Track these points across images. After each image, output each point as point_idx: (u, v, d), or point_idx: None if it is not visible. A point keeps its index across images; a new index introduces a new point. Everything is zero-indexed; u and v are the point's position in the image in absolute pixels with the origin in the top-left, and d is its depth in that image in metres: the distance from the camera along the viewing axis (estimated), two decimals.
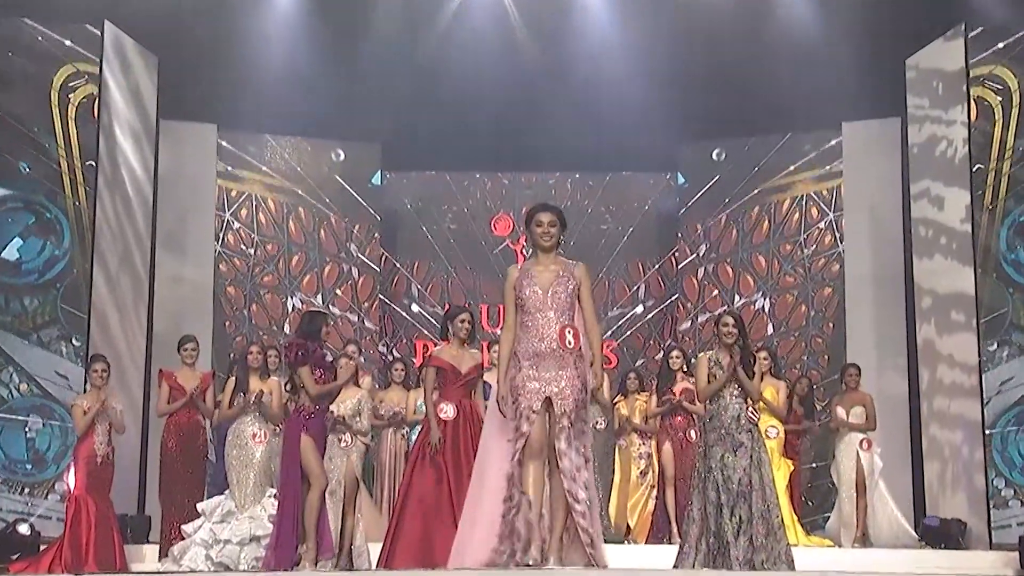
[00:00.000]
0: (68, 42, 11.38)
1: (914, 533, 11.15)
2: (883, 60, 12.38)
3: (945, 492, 11.54)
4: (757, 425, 7.69)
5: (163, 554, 9.62)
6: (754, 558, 7.29)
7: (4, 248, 11.04)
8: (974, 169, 11.38)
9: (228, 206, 13.69)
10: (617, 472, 11.44)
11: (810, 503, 12.58)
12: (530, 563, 6.23)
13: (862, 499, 10.94)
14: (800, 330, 13.71)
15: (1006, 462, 11.09)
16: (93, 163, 11.26)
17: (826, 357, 13.48)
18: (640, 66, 12.73)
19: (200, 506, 9.27)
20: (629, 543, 11.09)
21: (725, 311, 8.35)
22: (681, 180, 14.57)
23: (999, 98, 11.42)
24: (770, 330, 13.79)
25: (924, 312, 12.10)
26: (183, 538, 9.19)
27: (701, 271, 14.23)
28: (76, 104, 11.32)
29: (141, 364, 11.85)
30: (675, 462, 10.80)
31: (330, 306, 13.74)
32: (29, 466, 10.85)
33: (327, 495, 8.14)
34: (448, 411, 8.33)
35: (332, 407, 8.44)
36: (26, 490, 10.78)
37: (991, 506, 10.95)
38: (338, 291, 14.04)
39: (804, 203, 13.81)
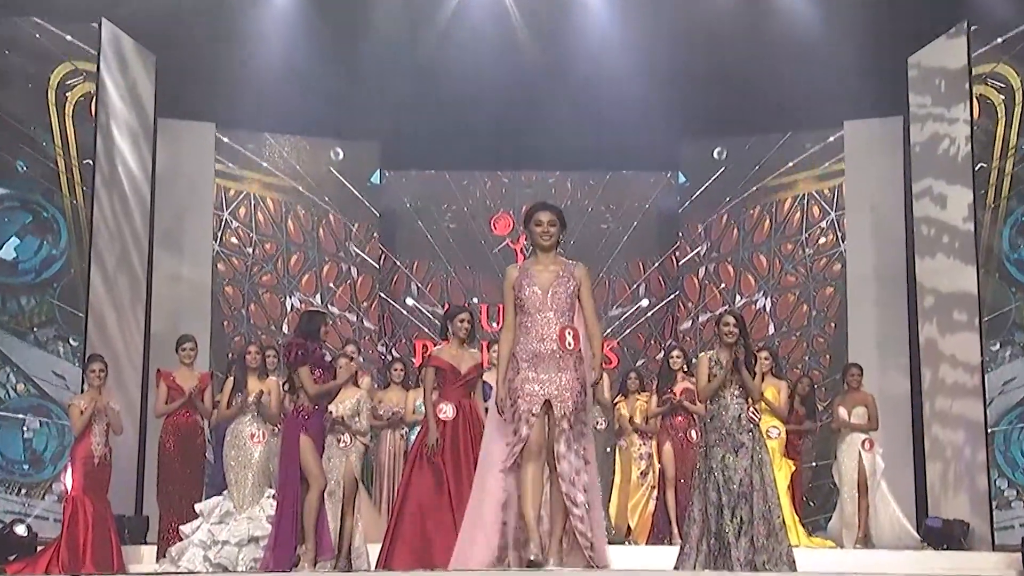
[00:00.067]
0: (66, 40, 11.33)
1: (916, 534, 11.11)
2: (885, 58, 12.34)
3: (947, 493, 11.51)
4: (758, 425, 7.65)
5: (161, 555, 9.59)
6: (755, 559, 7.25)
7: (1, 247, 11.00)
8: (977, 168, 11.35)
9: (226, 205, 13.65)
10: (617, 473, 11.41)
11: (811, 504, 12.55)
12: (532, 558, 6.19)
13: (864, 500, 10.91)
14: (801, 330, 13.69)
15: (1009, 462, 11.04)
16: (90, 162, 11.21)
17: (828, 357, 13.46)
18: (640, 64, 12.68)
19: (198, 507, 9.25)
20: (629, 544, 11.05)
21: (726, 311, 8.33)
22: (682, 179, 14.54)
23: (1002, 96, 11.39)
24: (771, 330, 13.77)
25: (926, 311, 12.06)
26: (181, 539, 9.16)
27: (702, 270, 14.20)
28: (73, 102, 11.28)
29: (139, 364, 11.82)
30: (676, 462, 10.77)
31: (329, 306, 13.71)
32: (26, 466, 10.81)
33: (326, 496, 8.13)
34: (447, 411, 8.32)
35: (331, 407, 8.45)
36: (23, 491, 10.74)
37: (994, 507, 10.91)
38: (337, 290, 13.98)
39: (805, 202, 13.79)
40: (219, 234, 13.54)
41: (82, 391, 9.97)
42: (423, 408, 8.87)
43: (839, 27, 12.25)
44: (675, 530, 10.47)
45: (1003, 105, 11.37)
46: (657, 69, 12.73)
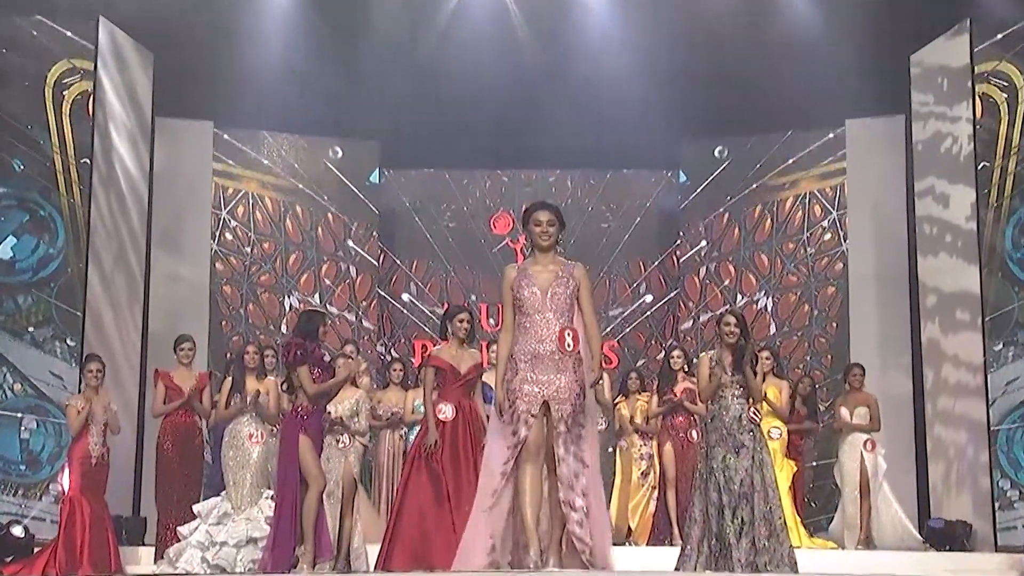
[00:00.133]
0: (63, 38, 11.28)
1: (918, 535, 11.08)
2: (887, 56, 12.30)
3: (950, 493, 11.48)
4: (759, 426, 7.63)
5: (159, 556, 9.55)
6: (756, 560, 7.24)
7: None
8: (979, 166, 11.32)
9: (224, 204, 13.60)
10: (618, 473, 11.38)
11: (813, 504, 12.50)
12: (531, 566, 6.15)
13: (866, 501, 10.87)
14: (803, 329, 13.66)
15: (1011, 463, 11.03)
16: (88, 161, 11.16)
17: (829, 357, 13.44)
18: (641, 63, 12.63)
19: (196, 507, 9.21)
20: (630, 545, 11.01)
21: (727, 310, 8.31)
22: (683, 178, 14.51)
23: (1004, 95, 11.36)
24: (773, 329, 13.75)
25: (928, 311, 12.03)
26: (179, 540, 9.12)
27: (703, 270, 14.17)
28: (71, 101, 11.25)
29: (136, 364, 11.77)
30: (676, 463, 10.74)
31: (328, 305, 13.68)
32: (23, 467, 10.78)
33: (325, 496, 8.10)
34: (447, 412, 8.30)
35: (330, 408, 8.42)
36: (20, 491, 10.71)
37: (996, 507, 10.89)
38: (336, 290, 13.94)
39: (807, 201, 13.76)
40: (217, 233, 13.50)
41: (79, 391, 9.90)
42: (422, 408, 8.86)
43: (840, 25, 12.20)
44: (676, 531, 10.44)
45: (1006, 103, 11.34)
46: (657, 67, 12.69)
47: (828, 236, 13.61)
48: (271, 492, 8.68)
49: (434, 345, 9.19)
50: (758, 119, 13.58)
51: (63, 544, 9.15)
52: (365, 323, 13.99)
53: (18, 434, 10.80)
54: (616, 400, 11.46)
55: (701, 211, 14.26)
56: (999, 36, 11.37)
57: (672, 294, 14.46)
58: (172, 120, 12.79)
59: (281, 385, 8.32)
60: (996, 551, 10.61)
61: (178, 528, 9.22)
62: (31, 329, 10.91)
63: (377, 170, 14.32)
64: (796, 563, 7.36)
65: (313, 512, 7.81)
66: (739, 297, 13.91)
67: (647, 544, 10.90)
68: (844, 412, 11.02)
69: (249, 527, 8.84)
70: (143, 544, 10.57)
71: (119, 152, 11.82)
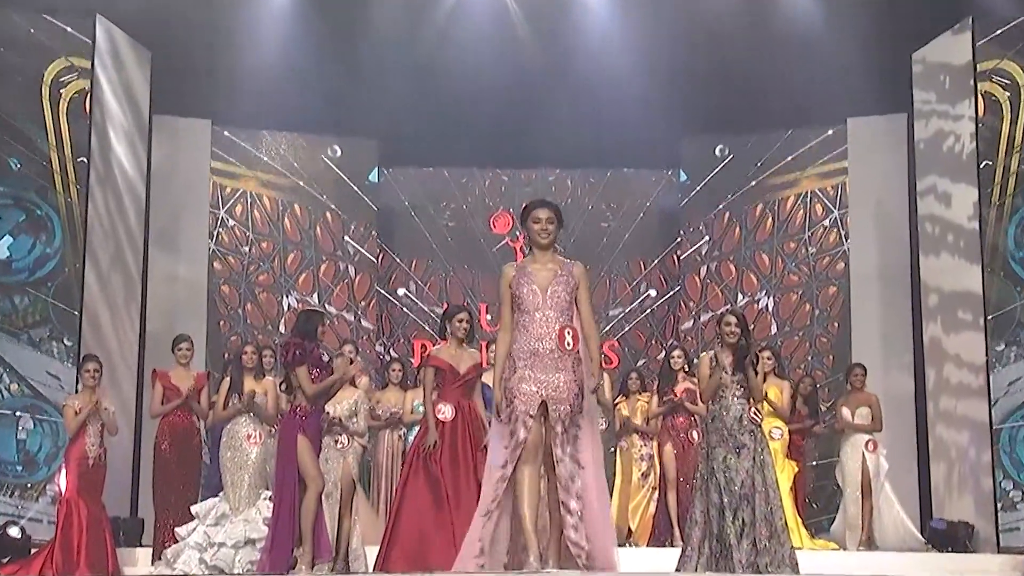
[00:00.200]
0: (60, 36, 11.21)
1: (920, 536, 11.06)
2: (889, 54, 12.25)
3: (952, 494, 11.44)
4: (760, 426, 7.60)
5: (156, 557, 9.55)
6: (757, 561, 7.22)
7: None
8: (982, 165, 11.26)
9: (222, 203, 13.54)
10: (618, 474, 11.34)
11: (815, 505, 12.48)
12: (531, 568, 6.11)
13: (867, 501, 10.85)
14: (804, 329, 13.61)
15: (1014, 464, 10.97)
16: (85, 159, 11.10)
17: (831, 357, 13.40)
18: (641, 61, 12.60)
19: (194, 508, 9.20)
20: (630, 546, 10.97)
21: (727, 310, 8.29)
22: (683, 177, 14.46)
23: (1007, 93, 11.31)
24: (774, 329, 13.70)
25: (930, 310, 11.98)
26: (176, 541, 9.11)
27: (704, 269, 14.13)
28: (67, 99, 11.18)
29: (133, 364, 11.73)
30: (677, 463, 10.72)
31: (326, 305, 13.63)
32: (20, 468, 10.71)
33: (323, 497, 8.08)
34: (446, 412, 8.29)
35: (328, 408, 8.40)
36: (16, 492, 10.65)
37: (998, 508, 10.83)
38: (335, 289, 13.89)
39: (808, 200, 13.71)
40: (215, 232, 13.44)
41: (76, 391, 9.86)
42: (421, 408, 8.86)
43: (842, 23, 12.16)
44: (676, 532, 10.43)
45: (1008, 102, 11.29)
46: (658, 65, 12.66)
47: (830, 235, 13.55)
48: (269, 493, 8.65)
49: (433, 345, 9.16)
50: (759, 117, 13.54)
51: (60, 545, 9.13)
52: (364, 323, 13.94)
53: (15, 435, 10.73)
54: (616, 400, 11.42)
55: (702, 210, 14.20)
56: (998, 31, 11.32)
57: (672, 292, 14.40)
58: (170, 118, 12.75)
59: (279, 385, 8.32)
60: (998, 552, 10.56)
61: (176, 529, 9.20)
62: (28, 329, 10.84)
63: (376, 169, 14.26)
64: (797, 564, 7.34)
65: (311, 513, 7.79)
66: (740, 297, 13.86)
67: (647, 545, 10.88)
68: (846, 412, 10.99)
69: (247, 528, 8.82)
70: (140, 545, 10.55)
71: (116, 151, 11.78)
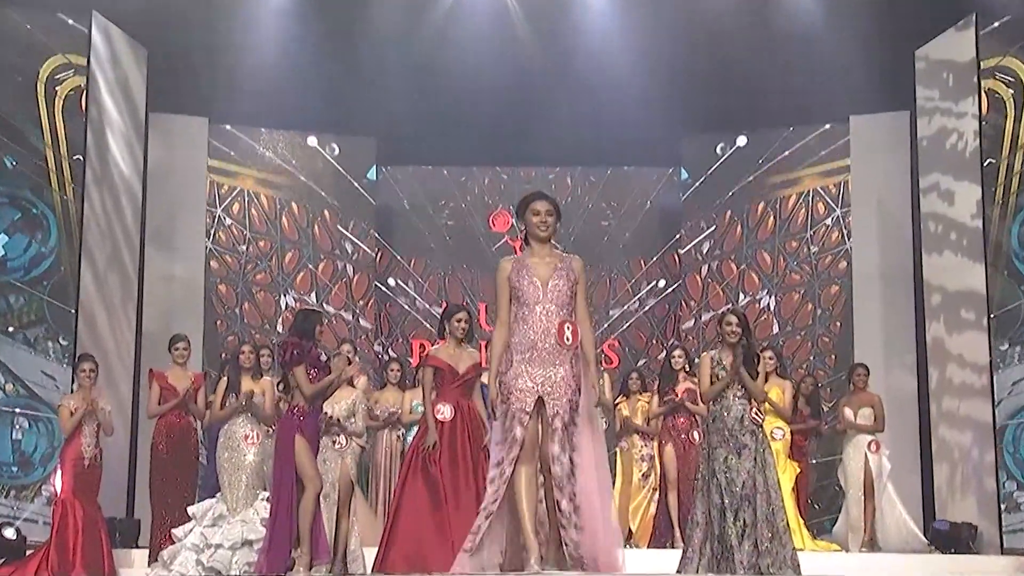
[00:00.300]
0: (56, 33, 11.20)
1: (923, 537, 10.99)
2: (892, 52, 12.20)
3: (955, 495, 11.39)
4: (761, 426, 7.57)
5: (152, 559, 9.50)
6: (759, 562, 7.20)
7: None
8: (985, 163, 11.22)
9: (219, 202, 13.49)
10: (618, 475, 11.28)
11: (817, 506, 12.46)
12: (531, 568, 6.03)
13: (870, 502, 10.81)
14: (806, 329, 13.56)
15: (1018, 464, 10.98)
16: (80, 157, 11.08)
17: (833, 356, 13.35)
18: (642, 58, 12.55)
19: (191, 509, 9.13)
20: (631, 547, 10.88)
21: (729, 310, 8.25)
22: (684, 175, 14.39)
23: (1011, 90, 11.30)
24: (776, 329, 13.65)
25: (933, 310, 11.93)
26: (173, 542, 9.04)
27: (705, 268, 14.08)
28: (63, 97, 11.18)
29: (130, 364, 11.70)
30: (678, 464, 10.67)
31: (324, 304, 13.59)
32: (15, 468, 10.72)
33: (321, 498, 8.05)
34: (445, 412, 8.28)
35: (326, 408, 8.39)
36: (12, 493, 10.65)
37: (1002, 510, 10.79)
38: (333, 288, 13.83)
39: (810, 198, 13.66)
40: (212, 231, 13.39)
41: (72, 391, 9.83)
42: (420, 408, 8.87)
43: (844, 20, 12.11)
44: (677, 533, 10.38)
45: (1012, 99, 11.29)
46: (658, 63, 12.60)
47: (832, 234, 13.50)
48: (267, 494, 8.60)
49: (432, 345, 9.13)
50: (760, 115, 13.50)
51: (55, 546, 9.13)
52: (362, 322, 13.89)
53: (10, 435, 10.72)
54: (617, 400, 11.38)
55: (703, 209, 14.15)
56: (996, 25, 11.30)
57: (672, 288, 14.35)
58: (166, 116, 12.70)
59: (277, 385, 8.31)
60: (1002, 554, 10.52)
61: (172, 530, 9.13)
62: (23, 329, 10.83)
63: (374, 167, 14.20)
64: (799, 565, 7.30)
65: (309, 514, 7.77)
66: (741, 296, 13.81)
67: (648, 546, 10.83)
68: (848, 413, 10.95)
69: (244, 529, 8.75)
70: (137, 546, 10.51)
71: (112, 149, 11.73)
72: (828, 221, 13.52)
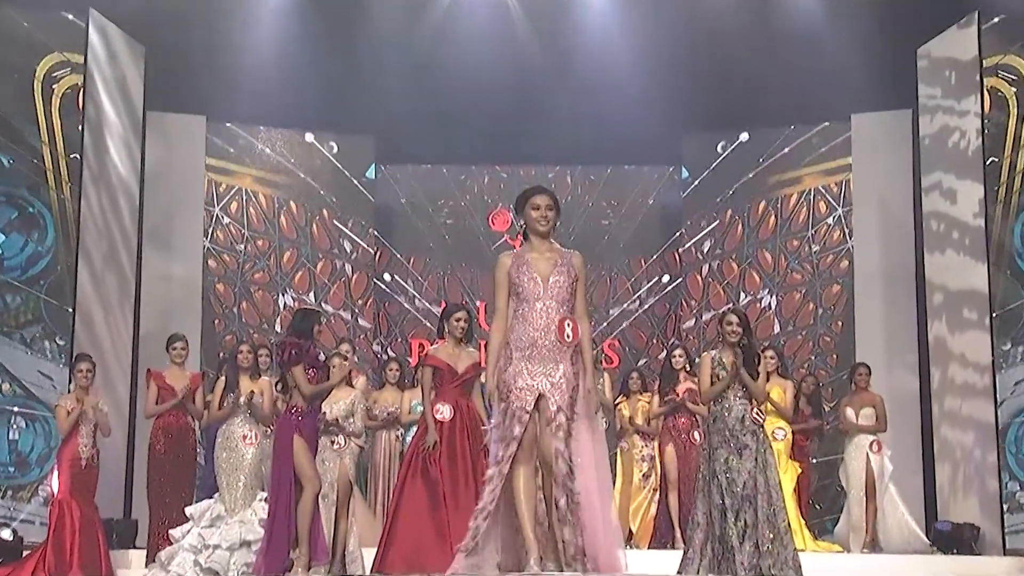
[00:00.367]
0: (53, 31, 11.16)
1: (925, 538, 10.96)
2: (893, 49, 12.15)
3: (957, 495, 11.36)
4: (762, 426, 7.54)
5: (150, 559, 9.47)
6: (760, 563, 7.17)
7: None
8: (988, 162, 11.18)
9: (217, 200, 13.43)
10: (619, 475, 11.24)
11: (818, 507, 12.43)
12: (531, 569, 5.98)
13: (872, 503, 10.77)
14: (808, 328, 13.52)
15: (1020, 465, 10.94)
16: (78, 156, 11.04)
17: (834, 356, 13.32)
18: (642, 56, 12.51)
19: (189, 510, 9.12)
20: (631, 548, 10.83)
21: (729, 309, 8.26)
22: (685, 173, 14.34)
23: (1013, 88, 11.26)
24: (777, 328, 13.61)
25: (935, 309, 11.90)
26: (170, 543, 9.03)
27: (705, 267, 14.04)
28: (60, 95, 11.14)
29: (127, 364, 11.65)
30: (678, 464, 10.63)
31: (323, 304, 13.56)
32: (11, 469, 10.70)
33: (320, 499, 8.03)
34: (444, 412, 8.25)
35: (324, 408, 8.40)
36: (8, 494, 10.62)
37: (1004, 510, 10.76)
38: (331, 288, 13.79)
39: (812, 197, 13.63)
40: (210, 230, 13.34)
41: (69, 391, 9.81)
42: (419, 408, 8.85)
43: (846, 18, 12.08)
44: (678, 534, 10.36)
45: (1015, 97, 11.25)
46: (659, 61, 12.56)
47: (833, 233, 13.47)
48: (265, 494, 8.60)
49: (431, 344, 9.10)
50: (761, 113, 13.45)
51: (52, 547, 9.12)
52: (361, 321, 13.85)
53: (6, 435, 10.69)
54: (617, 400, 11.33)
55: (703, 207, 14.11)
56: (995, 20, 11.26)
57: (674, 284, 14.30)
58: (164, 115, 12.64)
59: (275, 385, 8.29)
60: (1004, 554, 10.49)
61: (170, 531, 9.12)
62: (20, 328, 10.79)
63: (373, 166, 14.16)
64: (800, 566, 7.28)
65: (308, 515, 7.76)
66: (742, 295, 13.78)
67: (648, 547, 10.79)
68: (850, 413, 10.91)
69: (243, 530, 8.75)
70: (134, 547, 10.47)
71: (110, 147, 11.69)
72: (829, 220, 13.49)
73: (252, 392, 9.14)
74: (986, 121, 11.22)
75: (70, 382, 9.95)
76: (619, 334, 14.34)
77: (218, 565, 8.63)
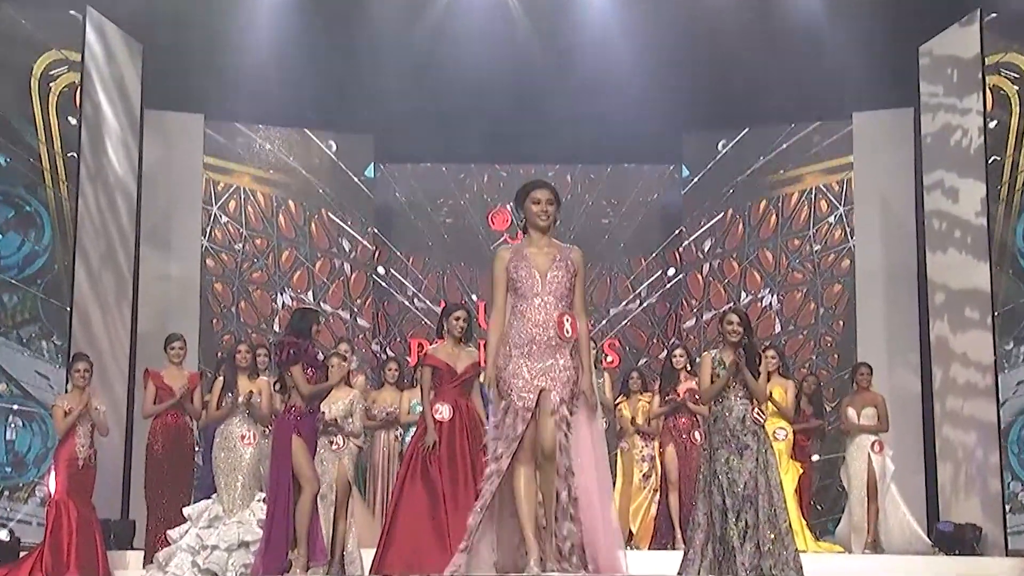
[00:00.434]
0: (50, 28, 11.10)
1: (927, 539, 10.93)
2: (895, 47, 12.13)
3: (959, 496, 11.35)
4: (763, 427, 7.52)
5: (148, 560, 9.45)
6: (761, 564, 7.15)
7: None
8: (990, 160, 11.16)
9: (215, 199, 13.39)
10: (619, 475, 11.20)
11: (819, 507, 12.41)
12: (531, 570, 5.91)
13: (873, 503, 10.73)
14: (809, 328, 13.49)
15: (1022, 465, 10.87)
16: (75, 155, 11.00)
17: (836, 356, 13.31)
18: (642, 54, 12.49)
19: (187, 510, 9.11)
20: (631, 549, 10.78)
21: (730, 309, 8.24)
22: (685, 172, 14.30)
23: (1015, 87, 11.21)
24: (778, 328, 13.58)
25: (937, 308, 11.88)
26: (168, 544, 9.02)
27: (706, 267, 14.01)
28: (57, 93, 11.08)
29: (125, 364, 11.63)
30: (679, 465, 10.58)
31: (321, 303, 13.52)
32: (8, 469, 10.64)
33: (318, 499, 8.03)
34: (443, 412, 8.22)
35: (323, 408, 8.40)
36: (5, 494, 10.56)
37: (1007, 511, 10.74)
38: (330, 287, 13.75)
39: (813, 196, 13.59)
40: (208, 229, 13.30)
41: (66, 391, 9.80)
42: (419, 408, 8.83)
43: (847, 16, 12.06)
44: (678, 535, 10.32)
45: (1017, 95, 11.19)
46: (659, 59, 12.53)
47: (835, 232, 13.43)
48: (263, 495, 8.58)
49: (430, 344, 9.07)
50: (762, 112, 13.41)
51: (50, 548, 9.09)
52: (360, 321, 13.81)
53: (3, 435, 10.65)
54: (617, 400, 11.29)
55: (704, 206, 14.08)
56: (995, 14, 11.22)
57: (676, 279, 14.26)
58: (161, 113, 12.62)
59: (274, 385, 8.31)
60: (1006, 555, 10.47)
61: (168, 532, 9.10)
62: (17, 328, 10.73)
63: (372, 164, 14.12)
64: (801, 567, 7.26)
65: (306, 515, 7.78)
66: (743, 294, 13.75)
67: (649, 548, 10.75)
68: (851, 413, 10.88)
69: (241, 530, 8.74)
70: (132, 548, 10.46)
71: (107, 146, 11.66)
72: (831, 219, 13.46)
73: (250, 392, 9.11)
74: (988, 119, 11.19)
75: (67, 382, 9.91)
76: (620, 334, 14.31)
77: (216, 566, 8.62)
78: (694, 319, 13.92)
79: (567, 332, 6.05)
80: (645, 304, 14.43)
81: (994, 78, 11.23)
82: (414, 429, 9.04)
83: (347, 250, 13.89)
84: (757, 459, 7.30)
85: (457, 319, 8.29)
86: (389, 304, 14.32)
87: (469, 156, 14.32)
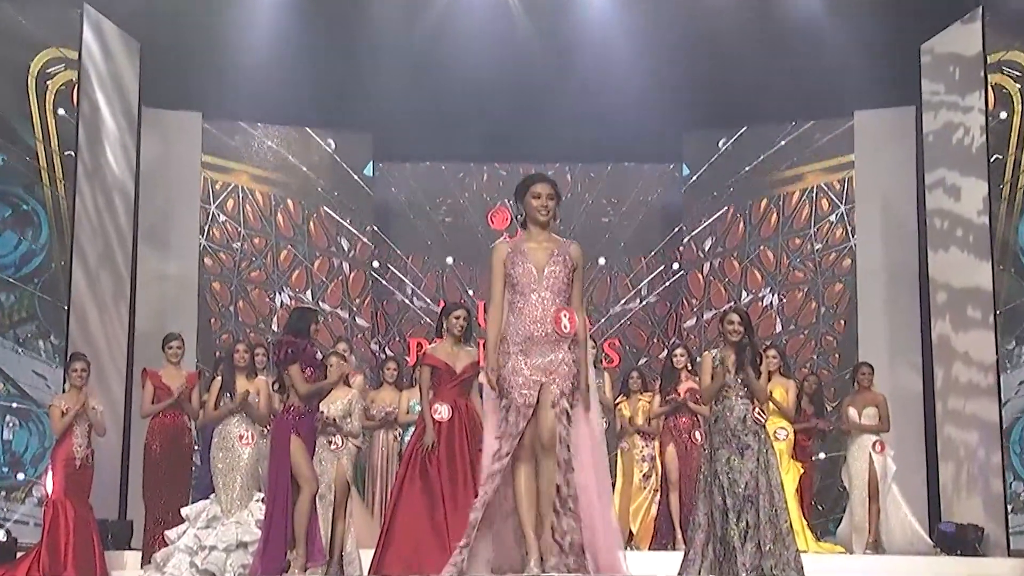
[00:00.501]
0: (47, 26, 11.05)
1: (929, 539, 10.92)
2: (897, 45, 12.12)
3: (960, 496, 11.33)
4: (764, 426, 7.50)
5: (145, 561, 9.45)
6: (762, 564, 7.14)
7: None
8: (992, 159, 11.15)
9: (213, 198, 13.36)
10: (619, 475, 11.19)
11: (820, 507, 12.38)
12: (531, 570, 5.89)
13: (874, 503, 10.72)
14: (810, 327, 13.47)
15: None
16: (72, 153, 10.96)
17: (837, 355, 13.27)
18: (643, 53, 12.46)
19: (185, 511, 9.06)
20: (632, 549, 10.77)
21: (731, 308, 8.24)
22: (685, 171, 14.29)
23: (1017, 85, 11.19)
24: (779, 327, 13.56)
25: (939, 307, 11.87)
26: (166, 544, 8.98)
27: (707, 266, 14.00)
28: (54, 91, 11.04)
29: (122, 363, 11.60)
30: (679, 465, 10.57)
31: (320, 302, 13.49)
32: (5, 469, 10.61)
33: (317, 499, 8.02)
34: (443, 412, 8.20)
35: (322, 407, 8.38)
36: (2, 494, 10.53)
37: (1009, 511, 10.72)
38: (329, 286, 13.72)
39: (814, 195, 13.57)
40: (206, 228, 13.27)
41: (63, 391, 9.74)
42: (418, 408, 8.80)
43: (848, 13, 12.03)
44: (679, 535, 10.32)
45: (1019, 93, 11.18)
46: (660, 57, 12.51)
47: (836, 231, 13.40)
48: (262, 495, 8.57)
49: (429, 343, 9.04)
50: (763, 110, 13.38)
51: (47, 548, 9.05)
52: (359, 320, 13.78)
53: (0, 435, 10.60)
54: (617, 400, 11.27)
55: (705, 205, 14.07)
56: (997, 15, 11.23)
57: (678, 275, 14.24)
58: (159, 111, 12.59)
59: (272, 385, 8.29)
60: (1008, 555, 10.46)
61: (166, 532, 9.07)
62: (14, 327, 10.69)
63: (371, 163, 14.09)
64: (802, 567, 7.24)
65: (305, 515, 7.76)
66: (744, 294, 13.74)
67: (649, 548, 10.74)
68: (852, 413, 10.86)
69: (239, 531, 8.70)
70: (129, 548, 10.46)
71: (104, 144, 11.63)
72: (832, 218, 13.43)
73: (248, 391, 9.07)
74: (990, 118, 11.17)
75: (64, 381, 9.86)
76: (620, 333, 14.29)
77: (214, 566, 8.58)
78: (694, 318, 13.91)
79: (565, 327, 6.01)
80: (645, 303, 14.42)
81: (996, 76, 11.21)
82: (413, 429, 9.01)
83: (346, 249, 13.86)
84: (758, 459, 7.28)
85: (456, 318, 8.26)
86: (388, 303, 14.31)
87: (468, 155, 14.29)
